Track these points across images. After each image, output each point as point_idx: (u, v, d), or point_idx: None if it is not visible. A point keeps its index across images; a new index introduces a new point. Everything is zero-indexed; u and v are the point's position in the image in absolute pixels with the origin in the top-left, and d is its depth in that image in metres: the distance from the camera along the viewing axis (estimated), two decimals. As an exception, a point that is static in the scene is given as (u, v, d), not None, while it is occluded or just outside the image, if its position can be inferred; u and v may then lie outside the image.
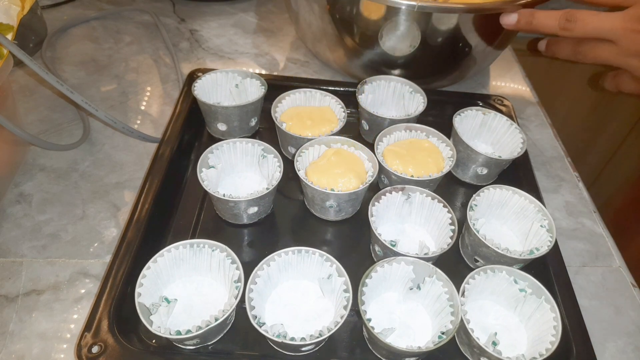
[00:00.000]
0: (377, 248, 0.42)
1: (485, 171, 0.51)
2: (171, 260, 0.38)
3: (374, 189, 0.50)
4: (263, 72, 0.68)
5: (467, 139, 0.50)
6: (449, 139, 0.50)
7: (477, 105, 0.60)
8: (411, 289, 0.39)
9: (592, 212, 0.53)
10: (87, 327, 0.35)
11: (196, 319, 0.37)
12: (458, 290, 0.37)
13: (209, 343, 0.37)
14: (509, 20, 0.49)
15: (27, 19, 0.52)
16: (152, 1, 0.79)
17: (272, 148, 0.46)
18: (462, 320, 0.35)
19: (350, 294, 0.36)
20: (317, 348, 0.37)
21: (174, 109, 0.54)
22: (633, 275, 0.47)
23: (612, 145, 1.20)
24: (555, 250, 0.43)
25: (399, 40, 0.54)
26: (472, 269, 0.39)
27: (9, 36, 0.43)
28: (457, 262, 0.45)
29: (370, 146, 0.48)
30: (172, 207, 0.47)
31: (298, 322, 0.38)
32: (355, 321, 0.39)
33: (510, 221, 0.47)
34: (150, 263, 0.37)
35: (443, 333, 0.35)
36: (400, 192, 0.44)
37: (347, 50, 0.60)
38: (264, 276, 0.37)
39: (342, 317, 0.34)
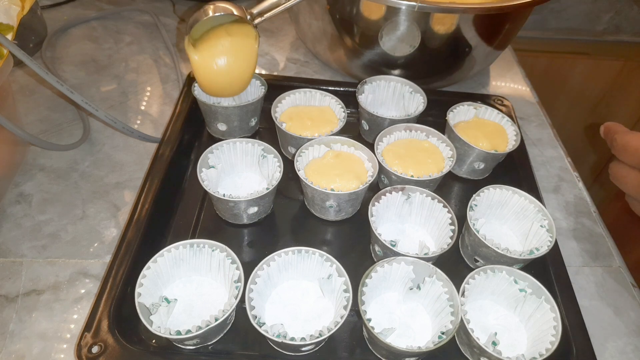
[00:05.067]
0: (377, 248, 0.42)
1: (482, 165, 0.51)
2: (171, 261, 0.38)
3: (374, 189, 0.50)
4: (263, 72, 0.68)
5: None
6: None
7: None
8: (411, 289, 0.39)
9: (592, 212, 0.53)
10: (87, 327, 0.35)
11: (196, 319, 0.37)
12: (458, 290, 0.37)
13: (209, 343, 0.37)
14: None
15: (27, 19, 0.52)
16: (152, 1, 0.79)
17: (272, 148, 0.46)
18: (462, 320, 0.35)
19: (350, 294, 0.36)
20: (317, 348, 0.37)
21: (174, 109, 0.54)
22: (633, 275, 0.47)
23: (612, 145, 1.20)
24: (555, 250, 0.43)
25: (399, 41, 0.54)
26: (472, 269, 0.39)
27: (9, 36, 0.43)
28: (457, 262, 0.45)
29: (370, 146, 0.47)
30: (172, 207, 0.47)
31: (298, 322, 0.38)
32: (355, 321, 0.39)
33: (510, 221, 0.47)
34: (150, 263, 0.37)
35: (443, 333, 0.35)
36: (400, 192, 0.44)
37: (347, 50, 0.60)
38: (264, 276, 0.37)
39: (342, 317, 0.34)
